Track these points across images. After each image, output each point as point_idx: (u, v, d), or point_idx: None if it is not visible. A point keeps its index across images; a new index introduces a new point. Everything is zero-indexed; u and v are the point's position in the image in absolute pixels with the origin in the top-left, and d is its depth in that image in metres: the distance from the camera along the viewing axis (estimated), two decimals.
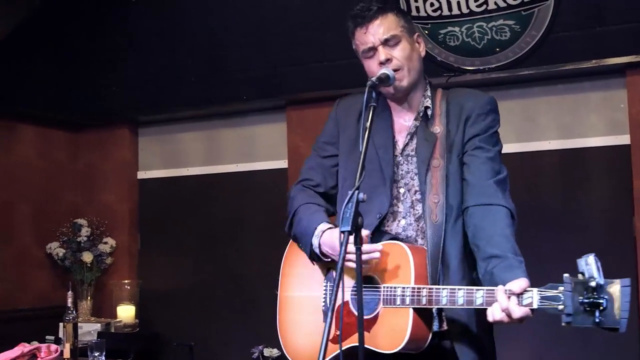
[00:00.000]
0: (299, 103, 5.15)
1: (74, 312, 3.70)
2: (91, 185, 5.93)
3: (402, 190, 2.38)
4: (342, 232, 1.88)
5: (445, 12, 4.45)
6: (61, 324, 4.33)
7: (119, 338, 5.08)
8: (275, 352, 4.75)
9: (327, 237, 2.31)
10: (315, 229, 2.35)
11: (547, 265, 4.41)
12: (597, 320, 1.81)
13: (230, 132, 5.61)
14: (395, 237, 2.32)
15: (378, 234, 2.33)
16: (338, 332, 2.22)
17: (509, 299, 1.96)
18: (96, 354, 3.35)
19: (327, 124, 2.60)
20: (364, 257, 2.08)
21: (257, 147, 5.49)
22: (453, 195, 2.31)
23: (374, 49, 2.37)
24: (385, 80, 2.27)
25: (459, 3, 4.42)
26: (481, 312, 2.09)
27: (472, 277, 2.28)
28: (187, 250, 5.67)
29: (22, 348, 3.47)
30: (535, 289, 1.95)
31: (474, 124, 2.36)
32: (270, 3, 5.17)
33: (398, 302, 2.17)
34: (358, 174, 1.98)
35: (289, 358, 2.47)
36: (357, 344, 1.95)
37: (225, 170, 5.59)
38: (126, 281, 5.63)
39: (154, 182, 5.89)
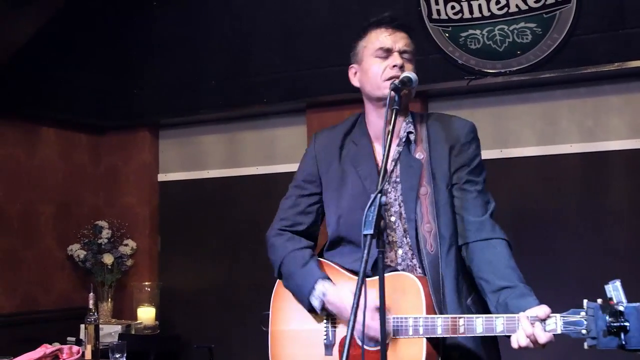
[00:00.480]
0: (319, 106, 5.14)
1: (95, 313, 3.73)
2: (112, 187, 5.96)
3: (393, 219, 2.37)
4: (365, 235, 1.88)
5: (466, 14, 4.44)
6: (82, 326, 4.35)
7: (140, 340, 5.10)
8: None
9: (334, 298, 2.32)
10: (314, 288, 2.36)
11: (567, 268, 4.40)
12: (622, 342, 1.87)
13: (250, 135, 5.62)
14: (395, 269, 2.32)
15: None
16: None
17: (534, 326, 1.98)
18: (117, 356, 3.36)
19: (306, 161, 2.60)
20: None
21: (277, 150, 5.49)
22: (445, 226, 2.31)
23: (389, 51, 2.37)
24: (407, 83, 2.26)
25: (480, 6, 4.40)
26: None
27: (466, 304, 2.30)
28: (207, 252, 5.68)
29: (45, 349, 3.51)
30: (557, 315, 1.98)
31: (460, 153, 2.38)
32: (291, 7, 5.18)
33: (410, 332, 2.15)
34: (380, 177, 1.97)
35: None
36: None
37: (246, 173, 5.59)
38: (146, 283, 5.66)
39: (174, 184, 5.91)
